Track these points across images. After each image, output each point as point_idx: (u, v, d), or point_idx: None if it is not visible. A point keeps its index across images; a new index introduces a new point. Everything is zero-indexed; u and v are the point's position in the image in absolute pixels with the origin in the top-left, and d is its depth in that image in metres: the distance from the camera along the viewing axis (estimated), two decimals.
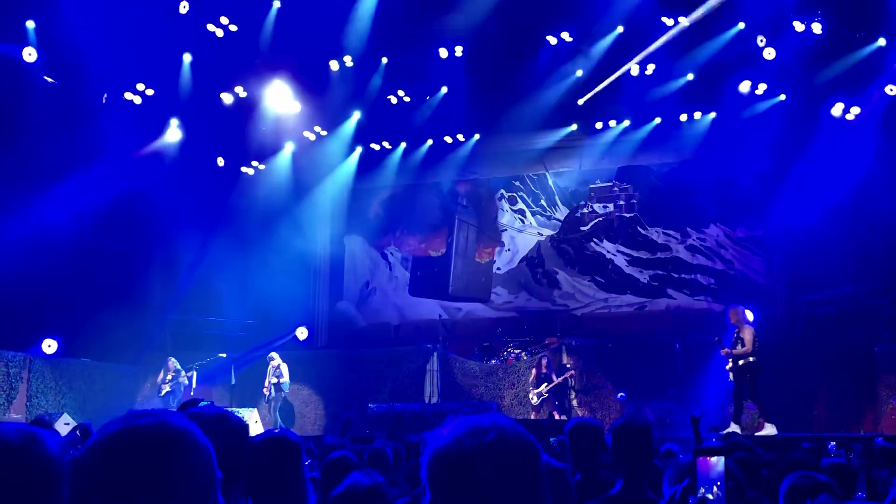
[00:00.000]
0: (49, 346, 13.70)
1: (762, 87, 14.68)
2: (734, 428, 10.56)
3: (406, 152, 17.65)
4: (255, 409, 13.95)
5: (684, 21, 13.81)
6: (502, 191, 17.97)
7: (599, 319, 16.55)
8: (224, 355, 14.76)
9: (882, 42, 13.47)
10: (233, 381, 14.53)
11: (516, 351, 15.36)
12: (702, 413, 6.09)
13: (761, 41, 13.88)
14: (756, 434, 10.38)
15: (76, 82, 14.15)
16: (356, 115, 16.87)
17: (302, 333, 16.16)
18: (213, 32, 14.34)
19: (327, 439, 6.47)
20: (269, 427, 13.71)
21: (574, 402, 14.18)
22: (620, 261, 16.87)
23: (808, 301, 14.59)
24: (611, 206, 17.19)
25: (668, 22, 14.04)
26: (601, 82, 15.39)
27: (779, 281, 15.63)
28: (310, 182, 17.74)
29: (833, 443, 7.43)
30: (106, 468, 1.27)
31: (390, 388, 15.28)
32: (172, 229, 16.63)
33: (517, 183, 17.87)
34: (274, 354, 14.63)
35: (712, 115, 15.65)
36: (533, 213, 17.71)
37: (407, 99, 16.44)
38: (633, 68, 14.87)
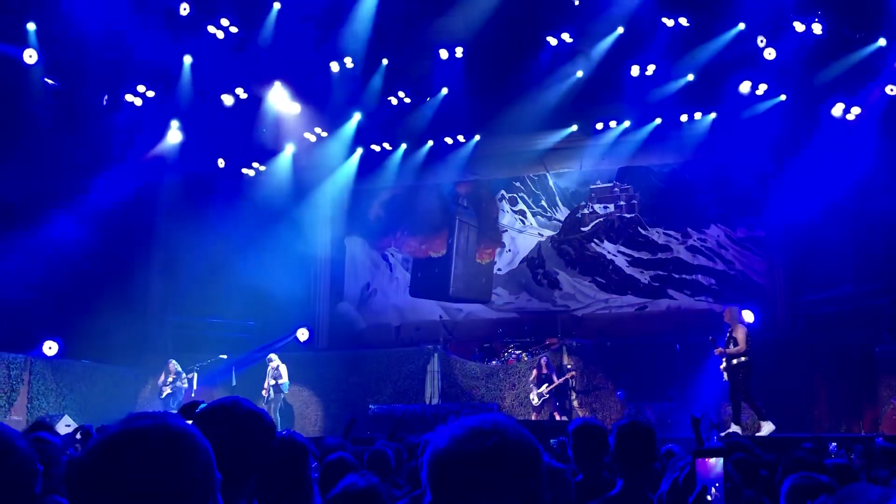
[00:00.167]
0: (50, 347, 13.71)
1: (762, 88, 14.68)
2: (735, 428, 10.56)
3: (406, 153, 17.66)
4: None
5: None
6: (503, 191, 17.97)
7: (600, 320, 16.54)
8: (225, 357, 14.77)
9: (882, 42, 13.47)
10: (233, 383, 14.55)
11: (517, 352, 15.36)
12: (703, 414, 6.08)
13: (761, 41, 13.88)
14: (756, 435, 10.38)
15: (77, 84, 14.17)
16: (356, 117, 16.88)
17: (302, 335, 16.17)
18: (214, 34, 14.35)
19: (328, 441, 6.46)
20: None
21: (575, 403, 14.17)
22: (621, 261, 16.87)
23: (809, 301, 14.59)
24: (611, 207, 17.20)
25: (669, 23, 14.05)
26: (601, 83, 15.41)
27: (779, 281, 15.63)
28: (310, 183, 17.75)
29: (834, 443, 7.44)
30: (106, 470, 1.27)
31: (391, 390, 15.28)
32: (173, 231, 16.66)
33: (518, 184, 17.88)
34: (273, 356, 14.62)
35: (713, 115, 15.66)
36: (533, 214, 17.71)
37: (407, 100, 16.45)
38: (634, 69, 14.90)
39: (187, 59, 14.99)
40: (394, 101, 16.38)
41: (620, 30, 14.64)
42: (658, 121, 16.01)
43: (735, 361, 10.73)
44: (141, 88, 14.96)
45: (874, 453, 6.32)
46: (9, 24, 12.82)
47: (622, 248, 16.93)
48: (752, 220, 16.11)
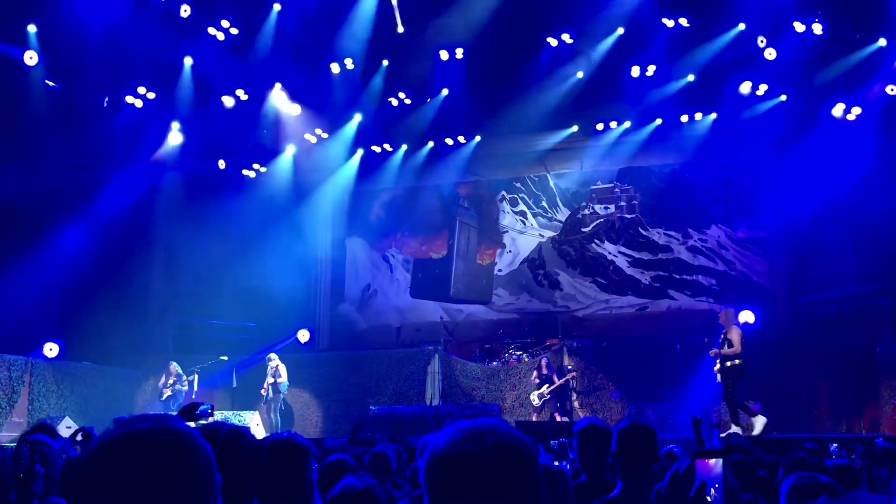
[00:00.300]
0: (51, 349, 13.71)
1: (763, 88, 14.68)
2: (735, 429, 10.56)
3: (407, 154, 17.67)
4: (257, 413, 13.95)
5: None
6: (503, 192, 17.98)
7: (601, 321, 16.55)
8: (225, 358, 14.77)
9: (882, 42, 13.47)
10: (234, 384, 14.55)
11: (518, 353, 15.36)
12: (703, 414, 6.08)
13: (762, 42, 13.87)
14: (752, 434, 10.37)
15: (77, 86, 14.18)
16: (357, 118, 16.89)
17: (303, 336, 16.17)
18: (215, 35, 14.36)
19: (328, 442, 6.46)
20: (267, 428, 13.72)
21: (575, 404, 14.17)
22: (622, 262, 16.87)
23: (810, 301, 14.58)
24: (612, 208, 17.20)
25: (669, 23, 14.05)
26: (601, 83, 15.42)
27: (780, 281, 15.63)
28: (311, 184, 17.76)
29: (835, 444, 7.43)
30: (105, 472, 1.27)
31: (391, 391, 15.28)
32: (174, 232, 16.67)
33: (518, 184, 17.88)
34: (272, 355, 14.63)
35: (713, 115, 15.66)
36: (534, 215, 17.71)
37: (408, 101, 16.45)
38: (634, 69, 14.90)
39: (188, 61, 15.00)
40: (394, 102, 16.39)
41: (621, 30, 14.63)
42: (658, 121, 16.01)
43: (728, 363, 10.74)
44: (141, 90, 14.97)
45: (875, 453, 6.32)
46: (9, 26, 12.83)
47: (623, 249, 16.93)
48: (752, 221, 16.12)
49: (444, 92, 16.24)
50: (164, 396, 14.07)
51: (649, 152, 16.59)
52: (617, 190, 17.19)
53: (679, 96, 15.23)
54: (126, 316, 14.82)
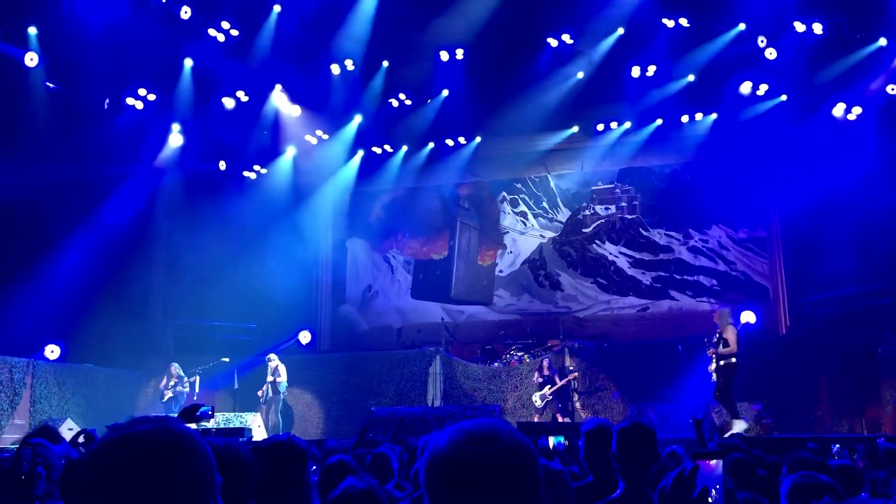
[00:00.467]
0: (52, 351, 13.72)
1: (763, 88, 14.68)
2: (737, 429, 10.54)
3: (407, 155, 17.68)
4: (258, 414, 13.95)
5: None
6: (504, 193, 17.98)
7: (602, 321, 16.55)
8: (227, 360, 14.77)
9: (883, 42, 13.47)
10: (235, 386, 14.55)
11: (519, 354, 15.35)
12: (704, 415, 6.08)
13: (762, 42, 13.88)
14: (729, 433, 10.33)
15: (78, 87, 14.19)
16: (357, 119, 16.89)
17: (305, 337, 16.18)
18: (215, 37, 14.37)
19: (329, 443, 6.47)
20: (269, 429, 13.72)
21: (577, 405, 14.16)
22: (623, 262, 16.87)
23: (811, 302, 14.57)
24: (613, 208, 17.20)
25: (669, 23, 14.06)
26: (602, 84, 15.42)
27: (781, 282, 15.62)
28: (311, 185, 17.77)
29: (837, 445, 7.43)
30: (106, 474, 1.27)
31: (393, 392, 15.27)
32: (175, 233, 16.68)
33: (519, 185, 17.89)
34: (272, 355, 14.62)
35: (713, 116, 15.66)
36: (535, 216, 17.71)
37: (408, 102, 16.46)
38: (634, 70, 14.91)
39: (188, 62, 15.01)
40: (394, 103, 16.40)
41: (621, 30, 14.64)
42: (659, 121, 16.01)
43: (723, 363, 10.73)
44: (142, 91, 14.98)
45: (877, 454, 6.32)
46: (10, 28, 12.84)
47: (624, 250, 16.93)
48: (753, 221, 16.11)
49: (445, 93, 16.25)
50: (166, 398, 14.07)
51: (650, 153, 16.59)
52: (618, 190, 17.19)
53: (679, 96, 15.23)
54: (127, 317, 14.82)
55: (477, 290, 17.75)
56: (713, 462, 1.75)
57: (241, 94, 15.64)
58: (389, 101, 16.35)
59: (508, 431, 1.39)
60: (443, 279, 18.01)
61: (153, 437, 1.31)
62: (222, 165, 16.87)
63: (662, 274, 16.51)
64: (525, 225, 17.76)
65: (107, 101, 14.93)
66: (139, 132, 15.29)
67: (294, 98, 16.21)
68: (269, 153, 17.33)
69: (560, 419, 13.23)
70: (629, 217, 17.03)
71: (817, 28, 13.36)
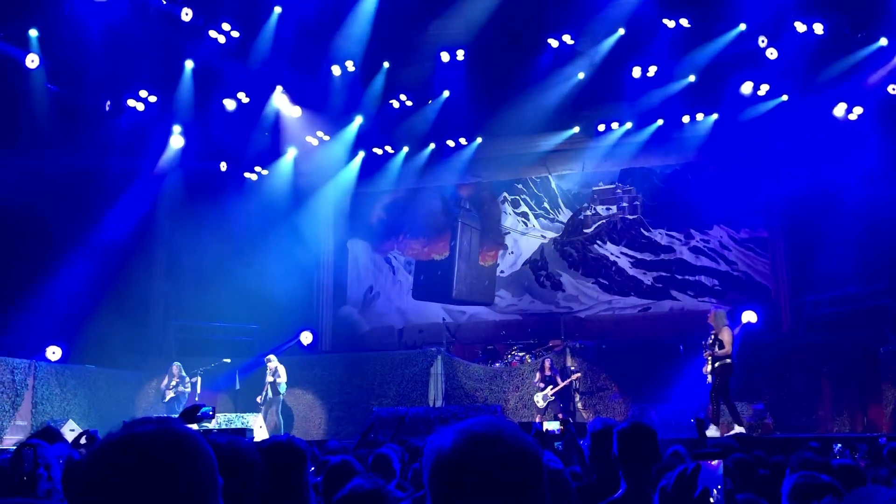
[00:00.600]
0: (54, 352, 13.72)
1: (764, 88, 14.67)
2: (738, 429, 10.54)
3: (408, 156, 17.68)
4: (260, 414, 13.95)
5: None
6: (505, 194, 17.99)
7: (603, 322, 16.54)
8: (228, 361, 14.78)
9: (883, 42, 13.46)
10: (237, 387, 14.55)
11: (520, 354, 15.34)
12: (706, 415, 6.08)
13: (763, 42, 13.87)
14: (726, 434, 10.32)
15: (79, 89, 14.19)
16: (358, 120, 16.89)
17: (306, 338, 16.17)
18: (216, 38, 14.37)
19: (331, 444, 6.47)
20: (270, 430, 13.73)
21: (579, 405, 14.16)
22: (624, 263, 16.87)
23: (813, 302, 14.56)
24: (614, 209, 17.20)
25: (670, 23, 14.05)
26: (602, 84, 15.41)
27: (783, 282, 15.62)
28: (312, 187, 17.78)
29: (839, 444, 7.42)
30: (108, 474, 1.28)
31: (394, 392, 15.27)
32: (176, 235, 16.68)
33: (520, 186, 17.89)
34: (271, 356, 14.63)
35: (714, 116, 15.66)
36: (536, 216, 17.71)
37: (409, 103, 16.46)
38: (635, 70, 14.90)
39: (189, 64, 15.00)
40: (395, 104, 16.40)
41: (621, 31, 14.63)
42: (660, 122, 16.00)
43: (718, 364, 10.73)
44: (143, 93, 14.98)
45: (879, 453, 6.31)
46: (11, 29, 12.84)
47: (625, 250, 16.93)
48: (754, 221, 16.11)
49: (445, 93, 16.24)
50: (167, 398, 14.08)
51: (651, 153, 16.59)
52: (619, 191, 17.19)
53: (680, 97, 15.23)
54: (129, 319, 14.82)
55: (478, 291, 17.75)
56: (714, 462, 1.74)
57: (241, 95, 15.64)
58: (390, 101, 16.34)
59: (513, 431, 1.39)
60: (444, 280, 18.01)
61: (155, 437, 1.32)
62: (223, 167, 16.87)
63: (664, 274, 16.51)
64: (526, 225, 17.76)
65: (108, 102, 14.92)
66: (140, 134, 15.28)
67: (295, 99, 16.21)
68: (270, 154, 17.33)
69: (561, 419, 13.21)
70: (630, 217, 17.03)
71: (818, 28, 13.35)
